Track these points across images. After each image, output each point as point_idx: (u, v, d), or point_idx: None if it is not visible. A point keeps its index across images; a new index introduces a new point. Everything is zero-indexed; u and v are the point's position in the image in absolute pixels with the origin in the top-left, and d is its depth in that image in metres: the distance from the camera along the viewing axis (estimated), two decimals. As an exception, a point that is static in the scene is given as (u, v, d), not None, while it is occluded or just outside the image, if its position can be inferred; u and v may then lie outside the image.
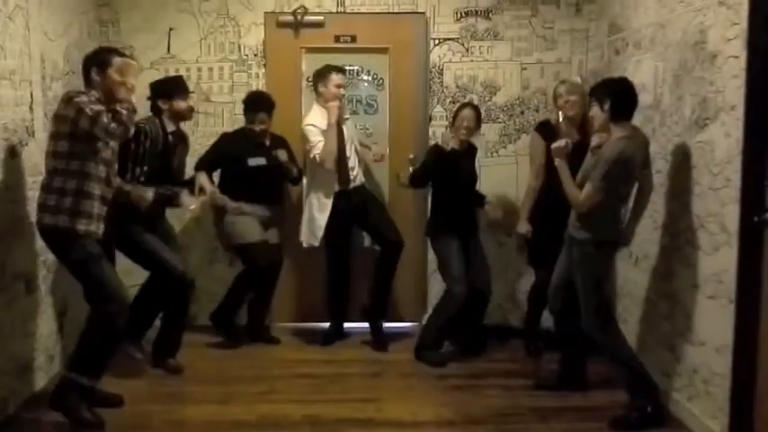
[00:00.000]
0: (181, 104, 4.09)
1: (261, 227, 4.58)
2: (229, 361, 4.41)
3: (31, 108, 3.73)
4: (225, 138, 4.62)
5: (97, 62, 3.36)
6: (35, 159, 3.72)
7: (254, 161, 4.50)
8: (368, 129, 5.05)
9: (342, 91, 4.50)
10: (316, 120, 4.46)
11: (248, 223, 4.52)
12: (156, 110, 4.08)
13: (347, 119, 4.67)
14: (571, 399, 3.81)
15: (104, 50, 3.55)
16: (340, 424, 3.54)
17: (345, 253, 4.71)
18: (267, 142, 4.59)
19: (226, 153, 4.52)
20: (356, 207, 4.62)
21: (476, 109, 4.45)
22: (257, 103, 4.53)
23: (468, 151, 4.50)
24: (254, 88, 4.87)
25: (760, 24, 2.96)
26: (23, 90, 3.67)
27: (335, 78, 4.46)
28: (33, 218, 3.66)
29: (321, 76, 4.50)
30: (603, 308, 3.57)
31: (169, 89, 4.10)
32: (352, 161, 4.61)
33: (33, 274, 3.74)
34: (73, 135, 3.25)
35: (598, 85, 3.66)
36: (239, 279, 4.61)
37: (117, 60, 3.36)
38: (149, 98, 4.10)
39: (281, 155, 4.51)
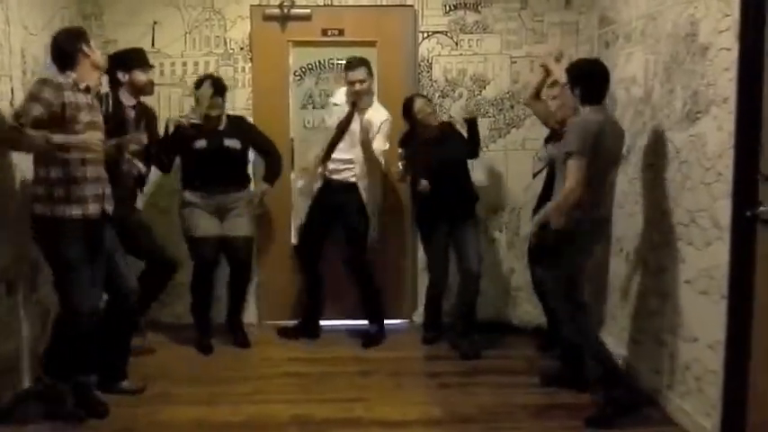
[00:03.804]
0: (140, 77, 3.99)
1: (215, 219, 4.45)
2: (216, 361, 4.35)
3: (11, 104, 3.64)
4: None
5: (86, 39, 3.42)
6: (18, 156, 3.64)
7: (199, 144, 4.37)
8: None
9: (356, 86, 4.38)
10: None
11: (198, 216, 4.40)
12: (114, 82, 3.96)
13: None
14: (562, 396, 3.77)
15: (80, 29, 3.61)
16: (328, 424, 3.49)
17: (311, 249, 4.66)
18: (221, 127, 4.45)
19: (176, 138, 4.37)
20: (333, 204, 4.54)
21: (423, 96, 4.55)
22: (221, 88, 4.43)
23: (446, 136, 4.44)
24: (240, 83, 4.82)
25: (752, 16, 2.91)
26: (4, 85, 3.60)
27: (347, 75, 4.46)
28: (12, 215, 3.61)
29: None
30: (573, 297, 3.53)
31: (128, 60, 4.00)
32: (343, 153, 4.49)
33: (15, 274, 3.66)
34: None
35: (570, 66, 3.66)
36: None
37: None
38: (107, 70, 3.93)
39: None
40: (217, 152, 4.39)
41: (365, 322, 4.73)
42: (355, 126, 4.42)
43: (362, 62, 4.43)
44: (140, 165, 3.93)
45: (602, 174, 3.51)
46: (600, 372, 3.51)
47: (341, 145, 4.49)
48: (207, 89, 4.32)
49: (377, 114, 4.43)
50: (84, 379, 3.58)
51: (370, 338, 4.62)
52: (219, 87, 4.40)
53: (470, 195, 4.54)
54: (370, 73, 4.47)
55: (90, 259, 3.42)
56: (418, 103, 4.44)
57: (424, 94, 4.76)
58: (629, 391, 3.50)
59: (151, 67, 4.17)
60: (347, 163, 4.49)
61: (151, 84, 4.10)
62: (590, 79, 3.50)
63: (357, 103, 4.41)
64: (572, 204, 3.38)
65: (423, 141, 4.45)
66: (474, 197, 4.56)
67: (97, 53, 3.49)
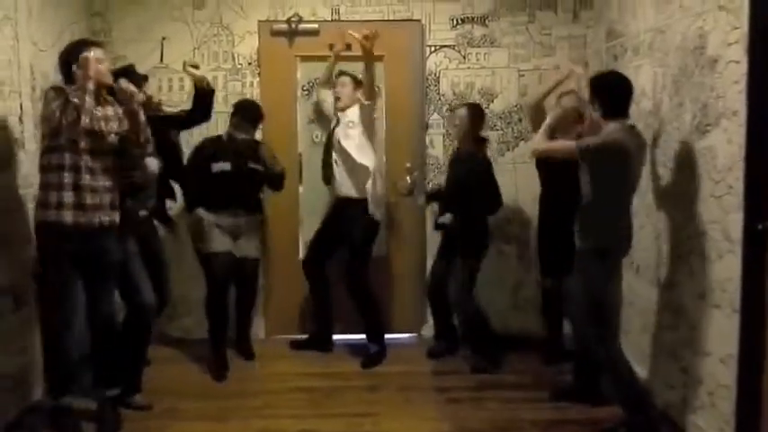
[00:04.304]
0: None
1: (229, 237, 4.44)
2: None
3: (20, 119, 3.68)
4: (204, 144, 4.49)
5: (79, 52, 3.38)
6: (25, 171, 3.66)
7: (219, 167, 4.37)
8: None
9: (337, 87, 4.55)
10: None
11: (212, 233, 4.39)
12: None
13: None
14: (571, 412, 3.74)
15: (80, 40, 3.59)
16: (337, 439, 3.49)
17: (314, 264, 4.65)
18: (247, 149, 4.45)
19: (203, 159, 4.41)
20: (336, 219, 4.57)
21: (470, 107, 4.45)
22: (247, 113, 4.49)
23: (465, 157, 4.43)
24: (248, 97, 4.81)
25: (761, 28, 2.89)
26: (13, 101, 3.62)
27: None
28: (22, 230, 3.63)
29: None
30: (602, 320, 3.45)
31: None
32: (337, 167, 4.51)
33: (22, 288, 3.67)
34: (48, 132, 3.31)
35: (593, 77, 3.60)
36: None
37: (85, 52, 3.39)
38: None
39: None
40: (240, 175, 4.38)
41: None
42: (339, 131, 4.51)
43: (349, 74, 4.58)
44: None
45: (632, 193, 3.50)
46: (623, 396, 3.44)
47: (338, 159, 4.51)
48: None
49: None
50: (108, 393, 3.61)
51: (370, 358, 4.54)
52: (250, 116, 4.48)
53: (467, 226, 4.39)
54: (356, 82, 4.53)
55: (89, 274, 3.43)
56: (452, 115, 4.52)
57: (433, 108, 4.74)
58: (650, 419, 3.40)
59: (146, 81, 4.10)
60: (346, 176, 4.50)
61: (149, 99, 3.93)
62: (611, 92, 3.43)
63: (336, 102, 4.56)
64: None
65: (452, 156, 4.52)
66: (470, 230, 4.39)
67: (92, 66, 3.30)
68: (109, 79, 3.43)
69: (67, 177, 3.31)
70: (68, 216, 3.32)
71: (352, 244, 4.50)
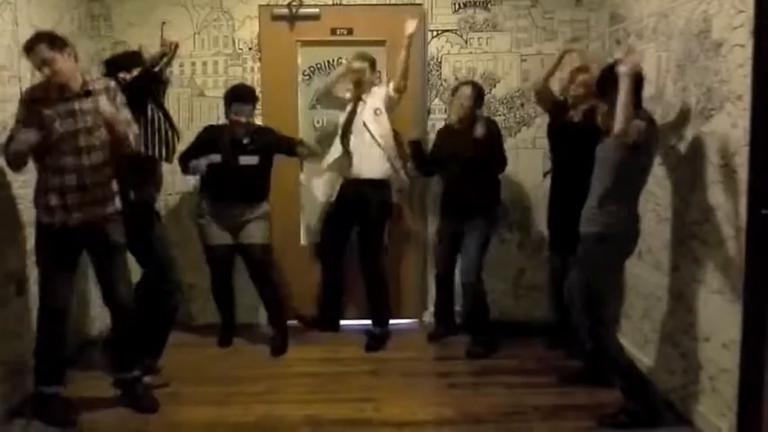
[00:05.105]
0: None
1: (228, 230, 4.43)
2: (228, 361, 4.35)
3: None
4: (206, 130, 4.48)
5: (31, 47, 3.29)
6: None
7: (213, 158, 4.32)
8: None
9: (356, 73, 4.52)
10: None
11: (213, 226, 4.43)
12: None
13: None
14: (575, 396, 3.74)
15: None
16: (339, 424, 3.49)
17: (333, 248, 4.65)
18: (245, 140, 4.36)
19: (200, 145, 4.39)
20: (353, 201, 4.52)
21: (474, 86, 4.43)
22: (234, 96, 4.40)
23: (469, 130, 4.38)
24: (249, 82, 4.77)
25: (766, 12, 2.88)
26: (12, 86, 3.60)
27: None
28: (22, 218, 3.62)
29: None
30: (597, 310, 3.42)
31: (127, 62, 3.84)
32: (357, 145, 4.47)
33: (25, 275, 3.67)
34: None
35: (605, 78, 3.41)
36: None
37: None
38: (105, 74, 3.78)
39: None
40: (232, 169, 4.32)
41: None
42: (364, 115, 4.49)
43: (367, 56, 4.55)
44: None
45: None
46: (623, 383, 3.43)
47: (354, 140, 4.49)
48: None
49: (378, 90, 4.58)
50: (129, 375, 3.63)
51: (376, 340, 4.55)
52: (244, 95, 4.41)
53: (480, 195, 4.37)
54: (372, 67, 4.54)
55: (95, 259, 3.47)
56: (458, 91, 4.45)
57: (435, 93, 4.74)
58: (650, 406, 3.39)
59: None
60: (368, 158, 4.48)
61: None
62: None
63: (358, 88, 4.52)
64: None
65: (447, 127, 4.51)
66: (486, 198, 4.39)
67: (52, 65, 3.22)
68: (62, 78, 3.27)
69: (51, 180, 3.29)
70: (58, 217, 3.32)
71: (370, 225, 4.52)
